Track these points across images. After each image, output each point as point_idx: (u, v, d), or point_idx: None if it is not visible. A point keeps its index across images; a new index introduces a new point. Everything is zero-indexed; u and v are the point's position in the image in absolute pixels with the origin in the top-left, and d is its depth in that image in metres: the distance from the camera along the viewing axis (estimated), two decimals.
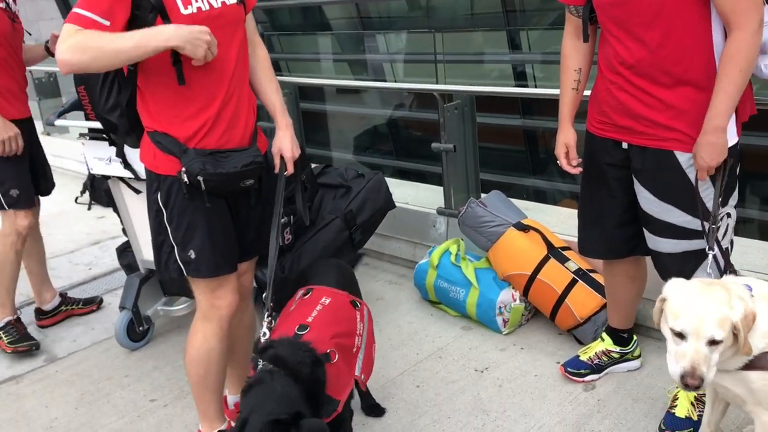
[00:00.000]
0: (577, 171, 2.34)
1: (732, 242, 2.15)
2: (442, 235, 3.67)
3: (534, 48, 9.26)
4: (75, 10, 1.88)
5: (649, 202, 2.13)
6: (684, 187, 2.04)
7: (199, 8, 1.98)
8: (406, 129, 9.86)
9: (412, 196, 4.03)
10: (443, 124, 3.56)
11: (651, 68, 2.01)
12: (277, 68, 12.83)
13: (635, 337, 2.66)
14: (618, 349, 2.63)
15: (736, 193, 2.09)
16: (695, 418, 2.24)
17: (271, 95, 2.26)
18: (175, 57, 1.95)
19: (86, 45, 1.83)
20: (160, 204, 2.11)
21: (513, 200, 3.41)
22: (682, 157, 2.04)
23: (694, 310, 1.64)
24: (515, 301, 3.02)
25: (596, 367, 2.63)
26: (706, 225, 1.98)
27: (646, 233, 2.20)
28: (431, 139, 3.67)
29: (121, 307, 3.16)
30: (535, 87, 8.22)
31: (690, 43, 1.95)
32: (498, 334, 3.03)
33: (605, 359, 2.63)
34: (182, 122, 2.04)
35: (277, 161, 2.23)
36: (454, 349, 2.98)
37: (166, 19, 1.93)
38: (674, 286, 1.74)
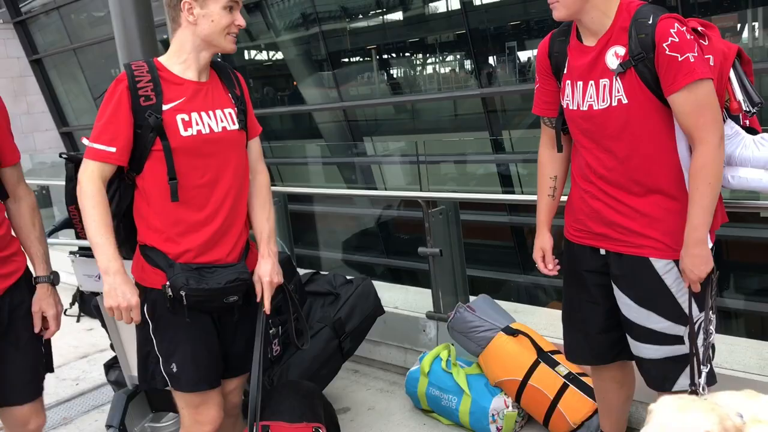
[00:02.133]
0: (554, 272, 2.38)
1: (713, 346, 2.15)
2: (432, 340, 3.66)
3: (517, 147, 9.56)
4: (86, 143, 2.04)
5: (629, 308, 2.16)
6: (662, 294, 2.07)
7: (199, 131, 2.08)
8: (395, 228, 9.99)
9: (402, 299, 4.04)
10: (428, 229, 3.62)
11: (621, 178, 2.08)
12: (269, 174, 13.11)
13: None
14: None
15: (715, 293, 2.10)
16: None
17: (262, 222, 2.28)
18: (171, 175, 2.04)
19: (82, 202, 2.01)
20: (146, 316, 2.14)
21: (501, 302, 3.43)
22: (658, 264, 2.08)
23: (669, 425, 1.64)
24: (508, 407, 2.98)
25: None
26: (684, 329, 2.00)
27: (629, 339, 2.21)
28: (419, 238, 3.73)
29: (108, 426, 3.09)
30: (520, 184, 8.42)
31: (656, 153, 2.04)
32: None
33: None
34: (173, 238, 2.10)
35: (258, 289, 2.23)
36: None
37: (165, 140, 2.02)
38: (662, 401, 1.74)
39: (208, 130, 2.09)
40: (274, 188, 5.95)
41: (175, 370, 2.14)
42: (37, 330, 2.21)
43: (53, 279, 2.25)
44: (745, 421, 1.66)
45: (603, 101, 2.04)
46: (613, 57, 2.01)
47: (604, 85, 2.03)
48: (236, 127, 2.16)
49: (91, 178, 1.99)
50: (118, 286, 1.98)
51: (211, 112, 2.12)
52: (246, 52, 13.81)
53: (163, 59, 2.15)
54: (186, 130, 2.06)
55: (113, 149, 2.00)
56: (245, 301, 2.20)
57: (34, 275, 2.25)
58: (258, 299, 2.23)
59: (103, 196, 2.01)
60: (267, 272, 2.21)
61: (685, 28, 1.93)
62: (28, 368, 2.20)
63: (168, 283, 2.07)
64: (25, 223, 2.23)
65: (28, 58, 17.40)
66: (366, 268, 9.40)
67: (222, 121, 2.13)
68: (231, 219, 2.15)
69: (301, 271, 3.70)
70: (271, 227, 2.29)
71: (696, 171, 1.96)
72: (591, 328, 2.32)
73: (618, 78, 2.00)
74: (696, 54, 1.91)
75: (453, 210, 3.70)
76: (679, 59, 1.90)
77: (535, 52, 10.90)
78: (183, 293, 2.05)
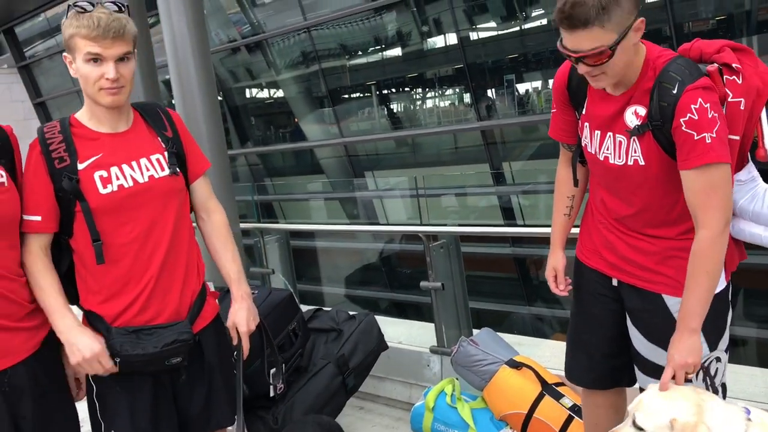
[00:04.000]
0: (565, 293, 2.33)
1: (724, 385, 2.13)
2: (436, 375, 3.64)
3: (517, 178, 9.60)
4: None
5: (639, 341, 2.12)
6: (672, 331, 2.03)
7: (120, 185, 1.96)
8: (397, 262, 9.99)
9: (405, 334, 4.04)
10: (430, 263, 3.64)
11: (636, 224, 2.05)
12: (271, 210, 13.16)
13: None
14: None
15: (726, 336, 2.06)
16: None
17: (226, 263, 2.17)
18: (94, 236, 1.95)
19: (27, 268, 1.96)
20: (90, 380, 2.06)
21: (505, 335, 3.42)
22: (671, 301, 2.04)
23: (644, 395, 1.70)
24: None
25: None
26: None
27: (636, 371, 2.19)
28: (422, 271, 3.74)
29: None
30: (522, 216, 8.45)
31: (672, 206, 1.98)
32: None
33: None
34: (107, 300, 2.01)
35: (233, 334, 2.14)
36: None
37: (83, 201, 1.93)
38: (653, 384, 1.80)
39: (131, 183, 1.97)
40: (276, 226, 5.97)
41: None
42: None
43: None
44: (750, 419, 1.66)
45: (619, 158, 1.98)
46: (633, 116, 1.94)
47: (620, 142, 1.97)
48: (166, 172, 2.03)
49: (29, 251, 1.95)
50: (76, 339, 1.91)
51: (134, 163, 2.00)
52: (247, 90, 13.98)
53: (78, 114, 2.05)
54: (105, 187, 1.95)
55: (38, 218, 1.93)
56: (197, 358, 2.10)
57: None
58: (234, 343, 2.14)
59: (44, 264, 1.96)
60: (243, 321, 2.12)
61: (709, 104, 1.81)
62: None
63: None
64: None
65: (32, 102, 17.65)
66: (369, 303, 9.39)
67: (148, 170, 2.01)
68: (170, 271, 2.04)
69: (304, 308, 3.71)
70: (239, 267, 2.18)
71: (695, 257, 1.89)
72: (595, 351, 2.28)
73: (636, 139, 1.93)
74: (714, 134, 1.81)
75: (454, 243, 3.72)
76: (695, 138, 1.81)
77: (533, 84, 11.05)
78: (117, 360, 1.95)
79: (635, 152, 1.94)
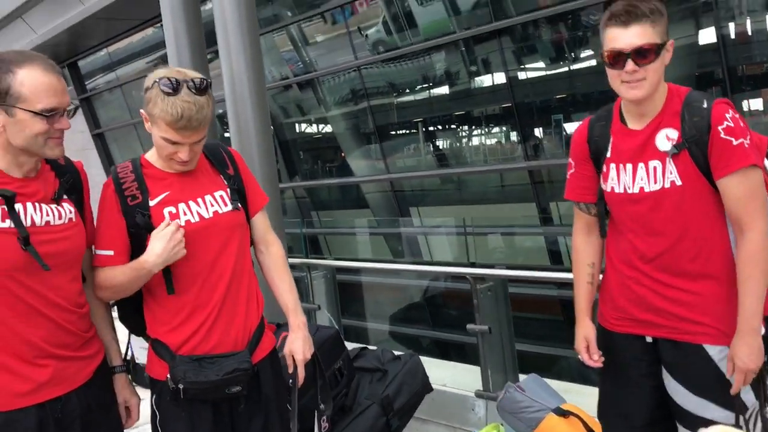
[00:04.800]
0: (599, 364, 2.27)
1: None
2: (481, 420, 3.60)
3: (565, 219, 9.49)
4: (93, 250, 2.12)
5: (683, 396, 2.08)
6: (718, 381, 2.00)
7: (188, 221, 2.10)
8: (442, 301, 9.93)
9: (450, 377, 4.01)
10: (477, 306, 3.62)
11: (671, 261, 2.05)
12: (317, 243, 13.27)
13: None
14: None
15: None
16: None
17: (284, 293, 2.29)
18: (165, 267, 2.06)
19: (103, 284, 2.09)
20: (154, 407, 2.17)
21: (551, 381, 3.37)
22: (713, 350, 2.02)
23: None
24: None
25: None
26: (741, 419, 1.93)
27: (680, 428, 2.13)
28: (467, 311, 3.72)
29: None
30: (569, 259, 8.32)
31: (707, 236, 2.02)
32: None
33: None
34: (173, 329, 2.12)
35: (289, 362, 2.23)
36: None
37: None
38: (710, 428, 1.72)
39: (197, 218, 2.11)
40: (323, 262, 6.04)
41: None
42: (123, 422, 2.19)
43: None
44: None
45: (655, 183, 2.03)
46: (665, 140, 2.02)
47: (655, 168, 2.03)
48: (229, 208, 2.16)
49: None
50: (160, 254, 2.02)
51: (199, 199, 2.13)
52: (297, 125, 14.23)
53: (148, 155, 2.19)
54: (173, 221, 2.08)
55: (111, 252, 2.07)
56: (255, 389, 2.17)
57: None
58: (290, 371, 2.22)
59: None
60: (299, 349, 2.21)
61: (738, 115, 1.95)
62: None
63: (169, 375, 2.08)
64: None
65: (91, 132, 18.25)
66: (413, 341, 9.33)
67: (212, 206, 2.14)
68: (232, 302, 2.14)
69: (349, 345, 3.72)
70: (295, 297, 2.29)
71: (747, 258, 1.93)
72: (636, 421, 2.21)
73: (671, 160, 1.99)
74: (749, 141, 1.92)
75: (501, 286, 3.71)
76: (734, 143, 1.91)
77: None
78: (181, 386, 2.04)
79: (671, 173, 2.00)
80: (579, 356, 2.32)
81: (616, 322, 2.21)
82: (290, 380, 2.25)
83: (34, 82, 1.83)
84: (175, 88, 1.98)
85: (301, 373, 2.22)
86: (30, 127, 1.85)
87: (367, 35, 11.22)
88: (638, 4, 1.94)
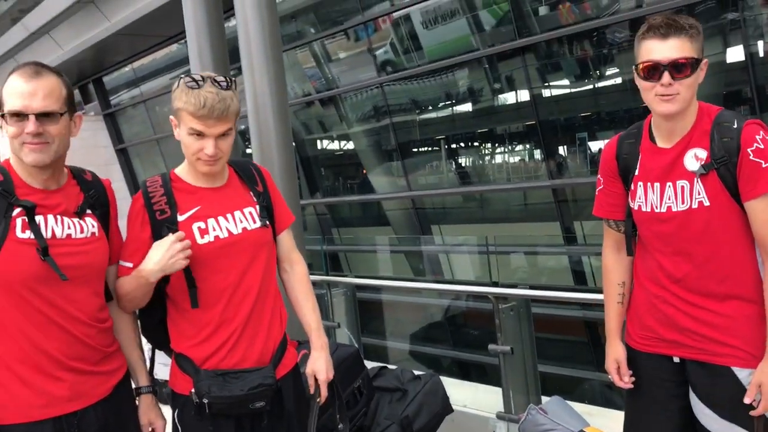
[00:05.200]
0: (629, 385, 2.23)
1: None
2: None
3: (589, 239, 9.39)
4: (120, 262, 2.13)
5: (708, 419, 2.03)
6: (746, 405, 1.95)
7: (216, 236, 2.09)
8: (463, 320, 9.85)
9: (471, 398, 3.94)
10: (499, 326, 3.56)
11: (699, 282, 2.00)
12: (337, 260, 13.26)
13: None
14: None
15: None
16: None
17: (307, 313, 2.27)
18: (190, 282, 2.07)
19: (117, 293, 2.10)
20: (176, 421, 2.14)
21: (574, 404, 3.29)
22: (742, 374, 1.96)
23: None
24: None
25: None
26: None
27: None
28: (488, 331, 3.66)
29: None
30: (594, 279, 8.22)
31: (736, 257, 1.98)
32: None
33: None
34: (198, 344, 2.10)
35: (311, 382, 2.21)
36: None
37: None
38: None
39: (226, 234, 2.10)
40: (343, 279, 6.00)
41: None
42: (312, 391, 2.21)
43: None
44: None
45: (683, 203, 2.00)
46: (693, 159, 1.99)
47: (682, 187, 2.00)
48: (258, 225, 2.15)
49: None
50: (157, 262, 2.01)
51: (229, 215, 2.12)
52: (319, 141, 14.30)
53: (178, 170, 2.18)
54: (203, 237, 2.08)
55: (130, 264, 2.07)
56: (277, 405, 2.15)
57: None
58: (312, 391, 2.21)
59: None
60: (323, 369, 2.20)
61: None
62: None
63: (193, 389, 2.06)
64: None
65: (114, 148, 18.52)
66: (433, 361, 9.25)
67: (242, 222, 2.13)
68: (258, 318, 2.13)
69: (369, 364, 3.67)
70: (318, 317, 2.28)
71: None
72: None
73: (699, 180, 1.96)
74: None
75: (524, 306, 3.64)
76: (763, 165, 1.88)
77: (606, 142, 10.82)
78: (206, 401, 2.03)
79: (699, 194, 1.97)
80: (609, 376, 2.28)
81: (642, 341, 2.17)
82: (311, 399, 2.22)
83: (8, 87, 1.87)
84: (198, 82, 2.00)
85: (324, 394, 2.21)
86: (6, 130, 1.88)
87: (385, 52, 11.28)
88: (677, 18, 1.93)
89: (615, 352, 2.26)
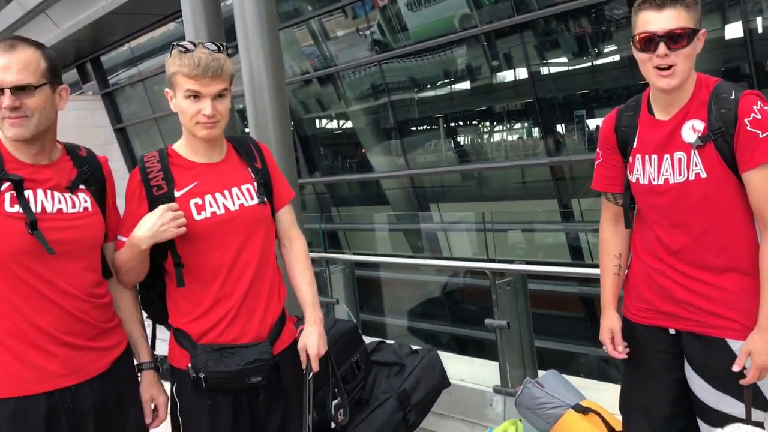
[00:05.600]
0: (623, 356, 2.26)
1: None
2: (499, 415, 3.58)
3: (586, 216, 9.41)
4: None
5: (704, 390, 2.05)
6: (739, 376, 1.97)
7: (213, 213, 2.09)
8: (461, 297, 9.90)
9: (468, 372, 3.98)
10: (496, 301, 3.59)
11: (695, 254, 2.02)
12: (336, 239, 13.29)
13: None
14: None
15: None
16: None
17: (303, 288, 2.28)
18: (176, 260, 2.08)
19: (113, 264, 2.11)
20: (174, 395, 2.17)
21: (571, 378, 3.34)
22: (736, 345, 1.98)
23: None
24: None
25: None
26: (764, 415, 1.90)
27: (701, 424, 2.10)
28: (485, 307, 3.70)
29: None
30: (590, 256, 8.26)
31: (732, 229, 1.98)
32: None
33: None
34: (195, 320, 2.12)
35: (303, 357, 2.22)
36: None
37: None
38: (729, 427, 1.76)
39: (223, 211, 2.10)
40: (342, 256, 6.03)
41: None
42: (149, 421, 2.18)
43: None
44: None
45: (680, 175, 2.00)
46: (690, 131, 1.99)
47: (680, 159, 2.00)
48: (255, 201, 2.16)
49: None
50: (148, 230, 2.02)
51: (226, 192, 2.13)
52: (317, 120, 14.26)
53: (176, 145, 2.18)
54: (199, 213, 2.08)
55: (125, 239, 2.08)
56: (274, 380, 2.17)
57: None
58: (303, 367, 2.22)
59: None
60: (314, 344, 2.20)
61: (767, 107, 1.91)
62: None
63: (190, 364, 2.08)
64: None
65: (113, 127, 18.45)
66: (431, 336, 9.31)
67: (239, 199, 2.14)
68: (255, 294, 2.14)
69: (367, 340, 3.71)
70: (314, 293, 2.28)
71: None
72: (656, 414, 2.18)
73: (696, 152, 1.96)
74: None
75: (521, 281, 3.68)
76: (760, 136, 1.88)
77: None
78: (202, 375, 2.05)
79: (696, 165, 1.97)
80: (603, 348, 2.30)
81: (639, 313, 2.19)
82: (304, 374, 2.24)
83: None
84: (190, 47, 2.04)
85: (315, 368, 2.22)
86: None
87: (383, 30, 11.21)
88: None
89: (610, 322, 2.27)
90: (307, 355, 2.21)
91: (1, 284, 1.87)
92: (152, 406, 2.18)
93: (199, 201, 2.09)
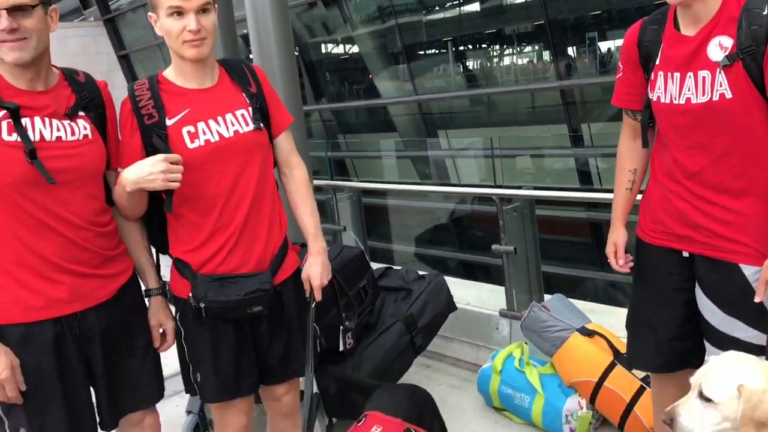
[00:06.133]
0: (626, 269, 2.25)
1: None
2: (505, 338, 3.62)
3: (596, 140, 9.31)
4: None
5: (712, 314, 2.05)
6: (750, 301, 1.96)
7: (207, 140, 2.03)
8: (469, 223, 9.93)
9: (474, 296, 4.02)
10: (503, 227, 3.58)
11: (714, 177, 1.96)
12: (343, 167, 13.25)
13: None
14: None
15: None
16: None
17: (305, 217, 2.23)
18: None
19: (114, 201, 2.07)
20: (179, 324, 2.18)
21: (577, 302, 3.36)
22: (748, 270, 1.95)
23: (709, 365, 1.66)
24: (582, 409, 2.92)
25: None
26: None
27: (708, 346, 2.11)
28: (493, 233, 3.70)
29: (188, 412, 3.21)
30: (599, 180, 8.21)
31: (754, 153, 1.91)
32: None
33: None
34: (194, 250, 2.09)
35: (306, 287, 2.20)
36: None
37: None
38: (727, 352, 1.76)
39: (217, 138, 2.04)
40: (348, 183, 5.99)
41: (199, 380, 2.17)
42: (157, 345, 2.19)
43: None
44: None
45: (703, 95, 1.90)
46: (717, 48, 1.87)
47: (704, 78, 1.89)
48: (251, 127, 2.08)
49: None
50: (134, 174, 1.95)
51: (220, 118, 2.06)
52: (323, 45, 13.99)
53: (166, 72, 2.11)
54: (192, 141, 2.02)
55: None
56: (277, 309, 2.17)
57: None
58: (307, 295, 2.21)
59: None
60: (317, 274, 2.17)
61: None
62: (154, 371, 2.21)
63: (191, 294, 2.07)
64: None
65: (116, 54, 18.19)
66: (439, 263, 9.39)
67: (233, 125, 2.07)
68: (255, 223, 2.11)
69: (374, 266, 3.73)
70: (316, 222, 2.23)
71: None
72: (663, 334, 2.19)
73: (722, 71, 1.86)
74: None
75: (528, 207, 3.66)
76: None
77: (616, 42, 10.61)
78: (203, 305, 2.04)
79: (721, 86, 1.87)
80: (612, 265, 2.29)
81: (654, 234, 2.16)
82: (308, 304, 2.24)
83: None
84: None
85: (318, 298, 2.21)
86: None
87: None
88: None
89: (615, 237, 2.26)
90: (311, 285, 2.21)
91: (3, 214, 1.86)
92: (160, 331, 2.21)
93: (191, 129, 2.03)
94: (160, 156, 1.96)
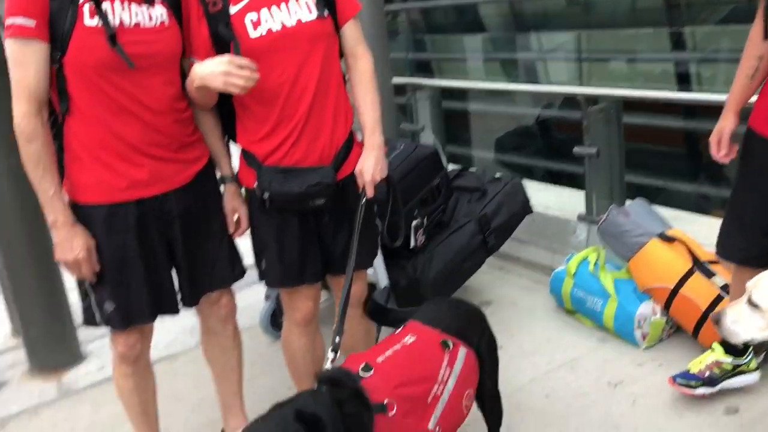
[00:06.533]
0: (726, 160, 2.20)
1: None
2: (582, 243, 3.56)
3: (700, 45, 8.66)
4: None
5: None
6: None
7: (269, 30, 2.01)
8: (553, 128, 9.60)
9: (554, 201, 3.94)
10: (586, 128, 3.45)
11: None
12: (429, 69, 12.98)
13: (751, 347, 2.44)
14: (730, 360, 2.43)
15: None
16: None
17: (364, 111, 2.18)
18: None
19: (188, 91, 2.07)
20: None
21: (660, 208, 3.24)
22: None
23: (764, 274, 1.67)
24: (656, 315, 2.87)
25: (708, 380, 2.45)
26: None
27: None
28: (577, 139, 3.58)
29: (267, 297, 3.36)
30: (699, 86, 7.68)
31: None
32: (636, 348, 2.90)
33: (717, 371, 2.44)
34: (260, 140, 2.12)
35: (359, 182, 2.17)
36: (587, 360, 2.89)
37: (237, 45, 2.00)
38: None
39: (279, 27, 2.01)
40: (428, 81, 5.86)
41: (264, 266, 2.25)
42: (231, 230, 2.27)
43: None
44: None
45: None
46: None
47: None
48: (314, 16, 2.04)
49: None
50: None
51: (283, 5, 2.02)
52: None
53: None
54: (255, 29, 2.00)
55: (197, 60, 2.03)
56: (340, 203, 2.17)
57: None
58: (360, 190, 2.17)
59: None
60: (369, 169, 2.13)
61: None
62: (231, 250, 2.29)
63: (256, 183, 2.11)
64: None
65: None
66: (519, 168, 9.20)
67: (296, 13, 2.03)
68: (318, 116, 2.09)
69: (450, 167, 3.69)
70: (375, 116, 2.18)
71: None
72: (756, 227, 2.14)
73: None
74: None
75: (615, 109, 3.49)
76: None
77: None
78: (266, 195, 2.09)
79: None
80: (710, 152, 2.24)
81: (766, 124, 2.07)
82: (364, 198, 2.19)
83: None
84: None
85: (370, 194, 2.16)
86: None
87: None
88: None
89: (723, 123, 2.20)
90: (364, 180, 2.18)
91: (88, 98, 1.93)
92: (235, 217, 2.28)
93: (254, 17, 2.01)
94: (226, 57, 1.95)
